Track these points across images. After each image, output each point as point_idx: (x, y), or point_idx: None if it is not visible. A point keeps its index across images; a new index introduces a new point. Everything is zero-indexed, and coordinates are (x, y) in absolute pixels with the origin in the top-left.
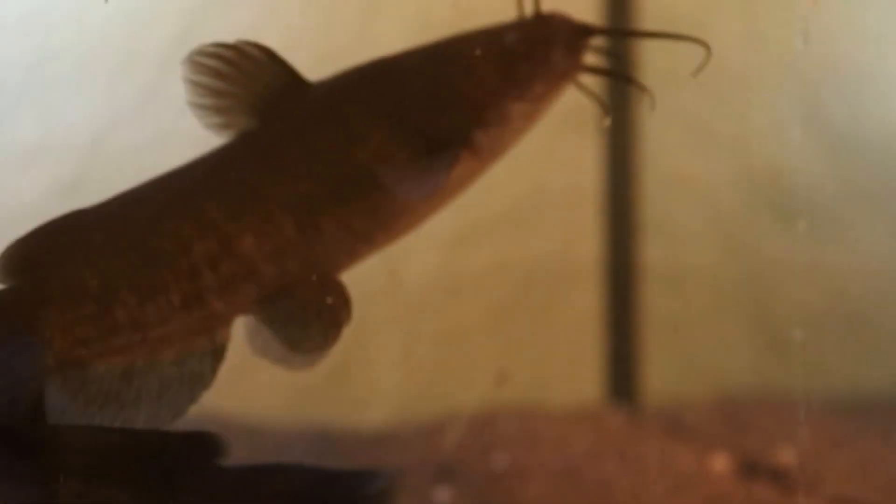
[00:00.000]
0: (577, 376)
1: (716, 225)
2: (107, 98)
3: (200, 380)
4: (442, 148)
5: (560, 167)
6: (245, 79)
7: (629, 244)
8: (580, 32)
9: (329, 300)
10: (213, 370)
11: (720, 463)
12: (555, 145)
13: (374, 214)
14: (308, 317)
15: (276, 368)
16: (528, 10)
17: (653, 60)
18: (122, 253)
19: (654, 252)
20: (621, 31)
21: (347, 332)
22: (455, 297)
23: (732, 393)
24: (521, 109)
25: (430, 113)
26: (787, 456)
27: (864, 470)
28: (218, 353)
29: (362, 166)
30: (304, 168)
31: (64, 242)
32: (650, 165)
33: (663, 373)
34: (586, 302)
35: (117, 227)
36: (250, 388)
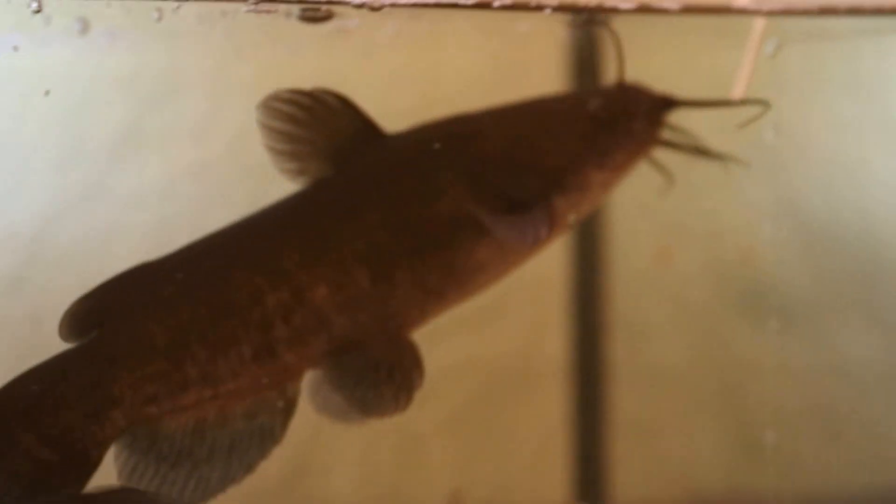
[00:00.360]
0: (543, 480)
1: (686, 323)
2: (51, 192)
3: (271, 434)
4: (521, 209)
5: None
6: (320, 126)
7: (597, 342)
8: (661, 104)
9: (402, 360)
10: (284, 425)
11: None
12: None
13: (448, 270)
14: (380, 377)
15: None
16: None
17: None
18: (191, 306)
19: (622, 350)
20: (702, 103)
21: (305, 434)
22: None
23: (703, 496)
24: (601, 178)
25: (511, 173)
26: None
27: None
28: (289, 407)
29: (439, 220)
30: (380, 218)
31: (130, 297)
32: (619, 259)
33: (632, 476)
34: (552, 402)
35: (185, 279)
36: None
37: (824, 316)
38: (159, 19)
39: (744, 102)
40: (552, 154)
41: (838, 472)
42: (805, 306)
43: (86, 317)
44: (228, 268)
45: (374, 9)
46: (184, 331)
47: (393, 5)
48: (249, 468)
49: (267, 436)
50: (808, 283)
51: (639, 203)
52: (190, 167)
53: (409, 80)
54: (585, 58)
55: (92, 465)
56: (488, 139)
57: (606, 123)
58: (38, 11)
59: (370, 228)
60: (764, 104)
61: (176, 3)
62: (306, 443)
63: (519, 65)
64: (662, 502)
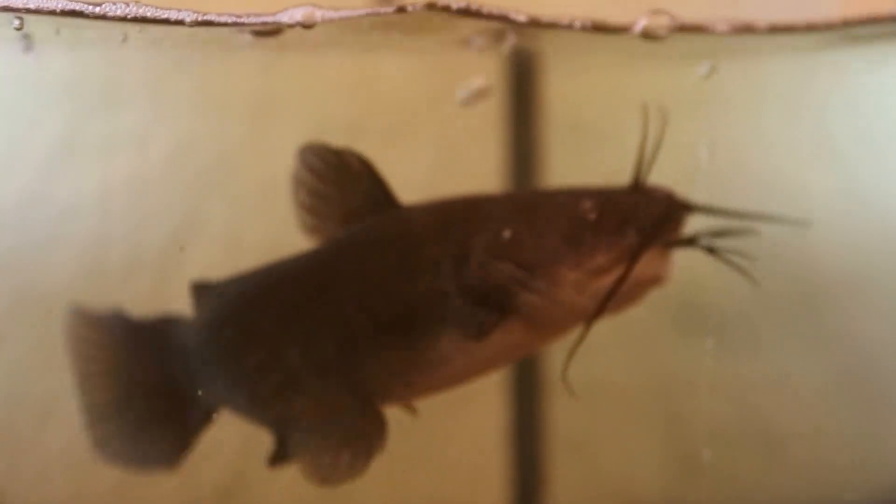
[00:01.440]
0: (480, 495)
1: (623, 339)
2: None
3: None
4: (487, 303)
5: None
6: (340, 186)
7: (535, 358)
8: (666, 215)
9: (365, 428)
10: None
11: None
12: None
13: (410, 355)
14: (340, 440)
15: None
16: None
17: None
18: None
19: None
20: (718, 210)
21: (239, 452)
22: None
23: None
24: (574, 278)
25: (485, 264)
26: None
27: None
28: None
29: (408, 302)
30: (356, 292)
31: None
32: None
33: (569, 490)
34: (489, 418)
35: (219, 323)
36: None
37: (762, 332)
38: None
39: (780, 220)
40: (528, 249)
41: (775, 485)
42: (742, 322)
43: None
44: (254, 316)
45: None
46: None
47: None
48: None
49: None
50: (745, 299)
51: None
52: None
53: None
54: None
55: None
56: (479, 225)
57: (593, 225)
58: None
59: (343, 300)
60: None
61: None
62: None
63: (455, 73)
64: None
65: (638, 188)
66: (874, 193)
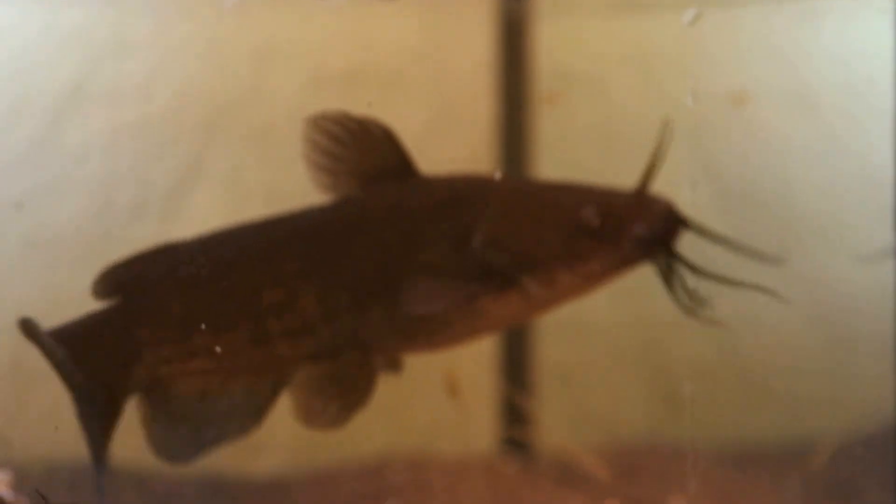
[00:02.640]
0: (471, 425)
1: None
2: None
3: (260, 414)
4: (484, 279)
5: None
6: (361, 151)
7: None
8: (665, 228)
9: (358, 380)
10: (267, 406)
11: None
12: None
13: (416, 318)
14: (333, 391)
15: None
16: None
17: None
18: (203, 287)
19: None
20: (709, 234)
21: None
22: None
23: (625, 442)
24: (568, 280)
25: (489, 243)
26: None
27: None
28: (275, 396)
29: (415, 270)
30: (368, 252)
31: (155, 270)
32: None
33: (556, 419)
34: (481, 352)
35: (203, 262)
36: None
37: (741, 274)
38: None
39: (759, 254)
40: (530, 243)
41: (754, 421)
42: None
43: (114, 282)
44: (238, 261)
45: None
46: (195, 307)
47: None
48: (239, 434)
49: (256, 414)
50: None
51: (561, 160)
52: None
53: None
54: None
55: (116, 412)
56: (492, 207)
57: (592, 230)
58: None
59: (358, 257)
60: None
61: None
62: None
63: (449, 32)
64: (586, 447)
65: (642, 196)
66: (851, 142)
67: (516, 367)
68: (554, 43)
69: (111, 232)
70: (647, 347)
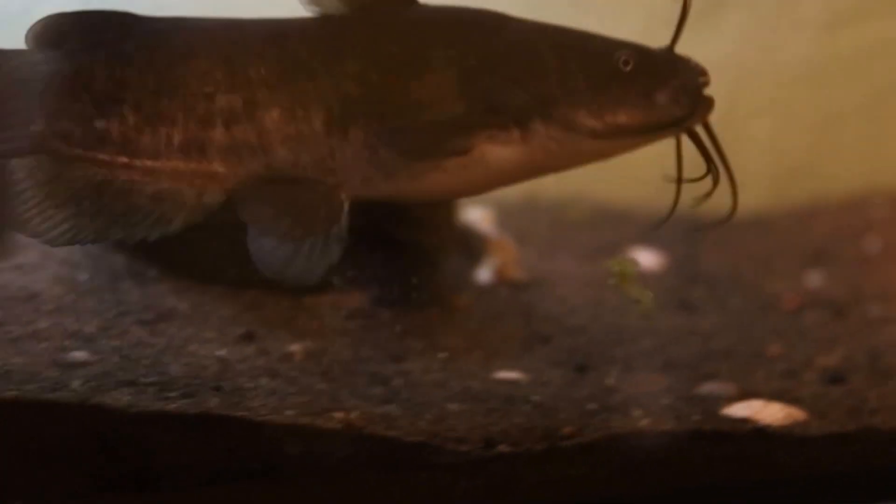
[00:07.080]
0: None
1: None
2: None
3: (166, 225)
4: (491, 117)
5: None
6: None
7: None
8: (697, 89)
9: (321, 213)
10: (183, 222)
11: None
12: None
13: (393, 158)
14: (292, 222)
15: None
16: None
17: None
18: (142, 69)
19: None
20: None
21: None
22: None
23: None
24: (591, 125)
25: (500, 81)
26: None
27: None
28: (196, 210)
29: (411, 96)
30: (358, 71)
31: (102, 33)
32: None
33: None
34: None
35: (157, 43)
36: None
37: None
38: None
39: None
40: (551, 82)
41: None
42: None
43: (52, 32)
44: (199, 52)
45: None
46: (123, 88)
47: None
48: (126, 239)
49: (161, 223)
50: None
51: None
52: None
53: None
54: None
55: None
56: (503, 42)
57: (624, 78)
58: None
59: (344, 76)
60: None
61: None
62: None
63: None
64: None
65: (671, 56)
66: None
67: None
68: None
69: None
70: None
